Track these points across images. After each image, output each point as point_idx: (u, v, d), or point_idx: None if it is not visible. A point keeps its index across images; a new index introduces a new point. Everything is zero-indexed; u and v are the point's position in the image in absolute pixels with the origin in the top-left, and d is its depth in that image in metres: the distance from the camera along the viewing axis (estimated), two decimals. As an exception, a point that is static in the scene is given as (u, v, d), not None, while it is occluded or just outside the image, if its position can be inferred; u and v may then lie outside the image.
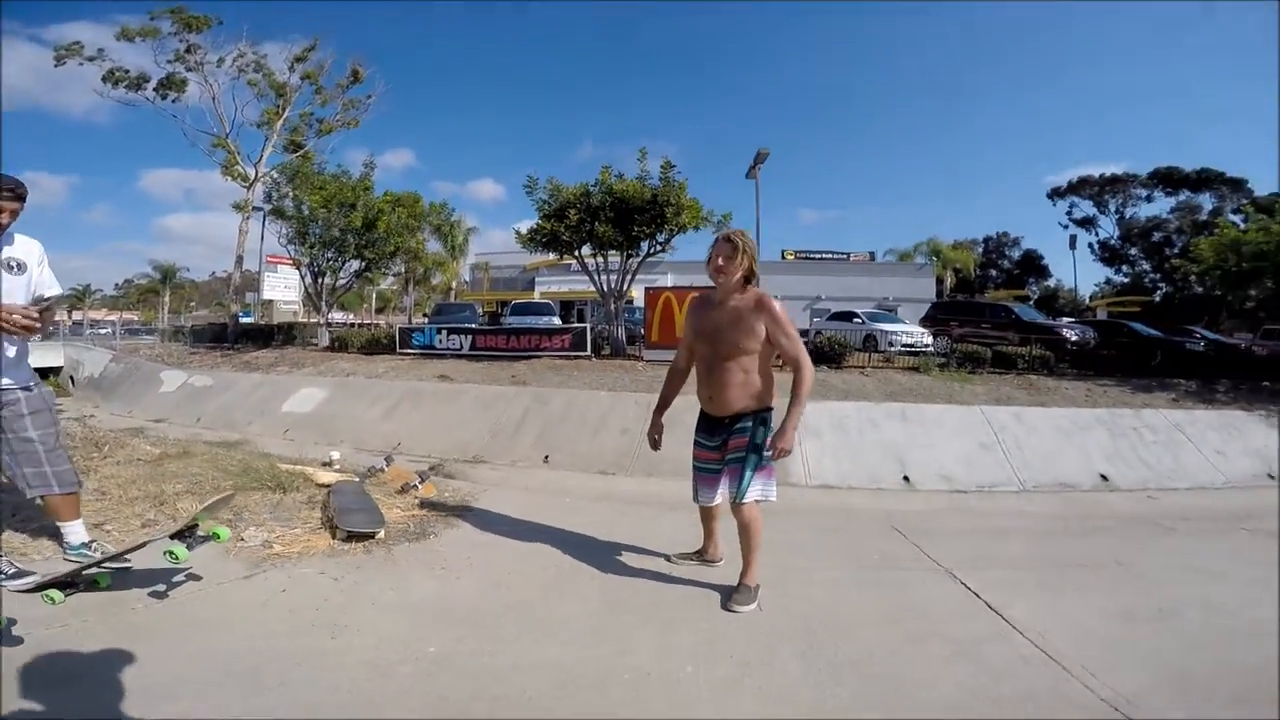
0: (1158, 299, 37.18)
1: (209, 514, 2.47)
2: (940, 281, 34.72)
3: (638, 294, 14.73)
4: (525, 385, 8.58)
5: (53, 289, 2.50)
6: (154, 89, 17.60)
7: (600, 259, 11.75)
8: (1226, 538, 4.16)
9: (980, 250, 46.98)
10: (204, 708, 1.79)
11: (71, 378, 13.66)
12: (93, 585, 2.41)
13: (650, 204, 10.67)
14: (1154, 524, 4.46)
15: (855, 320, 15.16)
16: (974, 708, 1.96)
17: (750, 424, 2.65)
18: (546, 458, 6.25)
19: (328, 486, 3.99)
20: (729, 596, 2.72)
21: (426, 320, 18.50)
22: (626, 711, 1.91)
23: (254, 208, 17.61)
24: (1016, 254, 49.87)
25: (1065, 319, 19.14)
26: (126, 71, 17.33)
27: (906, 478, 5.77)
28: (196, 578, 2.61)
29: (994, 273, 48.73)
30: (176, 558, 2.26)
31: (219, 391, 9.69)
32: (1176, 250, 34.85)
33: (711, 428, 2.78)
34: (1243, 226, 12.30)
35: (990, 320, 13.89)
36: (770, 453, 2.57)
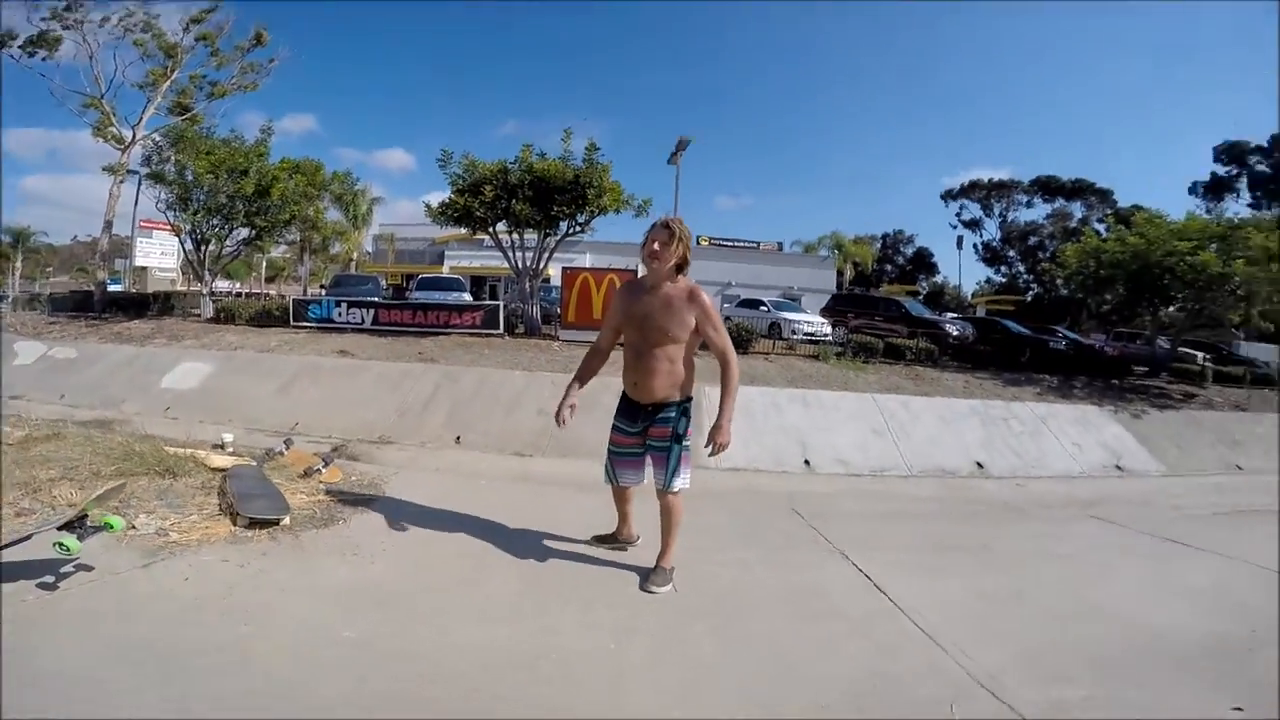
0: (1029, 299, 41.30)
1: (99, 503, 2.32)
2: (840, 274, 36.83)
3: (555, 273, 14.63)
4: (434, 363, 8.35)
5: None
6: (20, 46, 15.41)
7: (516, 236, 11.59)
8: (1079, 524, 4.68)
9: (879, 246, 50.13)
10: (114, 701, 1.72)
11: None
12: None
13: (572, 184, 10.65)
14: (1019, 510, 4.98)
15: (762, 308, 15.87)
16: (867, 681, 2.17)
17: (674, 414, 2.75)
18: (458, 438, 6.16)
19: (223, 471, 3.77)
20: (646, 578, 2.83)
21: (324, 291, 17.43)
22: (559, 686, 2.01)
23: (129, 171, 15.79)
24: (910, 250, 53.73)
25: (949, 315, 20.82)
26: None
27: (807, 461, 6.18)
28: (88, 568, 2.43)
29: (889, 268, 52.31)
30: (69, 549, 2.12)
31: (85, 365, 8.70)
32: (1048, 254, 38.56)
33: (634, 414, 2.84)
34: (1104, 235, 13.54)
35: (883, 313, 14.88)
36: (689, 441, 2.71)
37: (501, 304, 11.36)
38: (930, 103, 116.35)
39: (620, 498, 3.12)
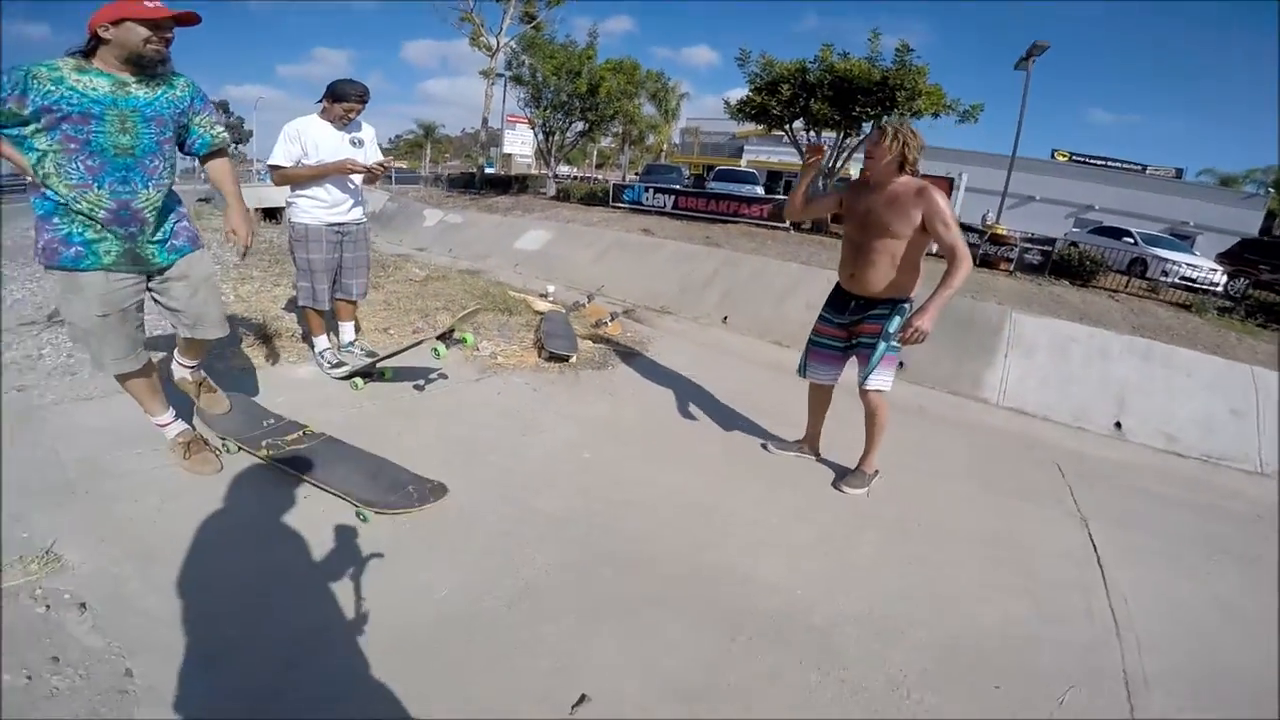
0: None
1: (462, 323, 3.26)
2: (1271, 217, 26.52)
3: (854, 172, 13.79)
4: (719, 247, 8.82)
5: (379, 156, 3.31)
6: None
7: (814, 135, 11.19)
8: None
9: None
10: (438, 469, 2.50)
11: (361, 210, 16.97)
12: (380, 377, 3.32)
13: (879, 86, 9.95)
14: None
15: (1126, 239, 12.71)
16: (996, 640, 2.02)
17: (887, 310, 2.64)
18: (726, 318, 6.55)
19: (541, 314, 4.81)
20: (842, 477, 2.88)
21: (638, 178, 19.26)
22: (712, 536, 2.35)
23: (497, 74, 19.13)
24: None
25: None
26: None
27: (1119, 424, 5.07)
28: (445, 377, 3.46)
29: None
30: (439, 354, 3.06)
31: (466, 228, 11.43)
32: None
33: (843, 306, 2.79)
34: None
35: (1320, 274, 10.63)
36: (900, 335, 2.50)
37: (791, 199, 11.29)
38: None
39: (815, 399, 3.07)
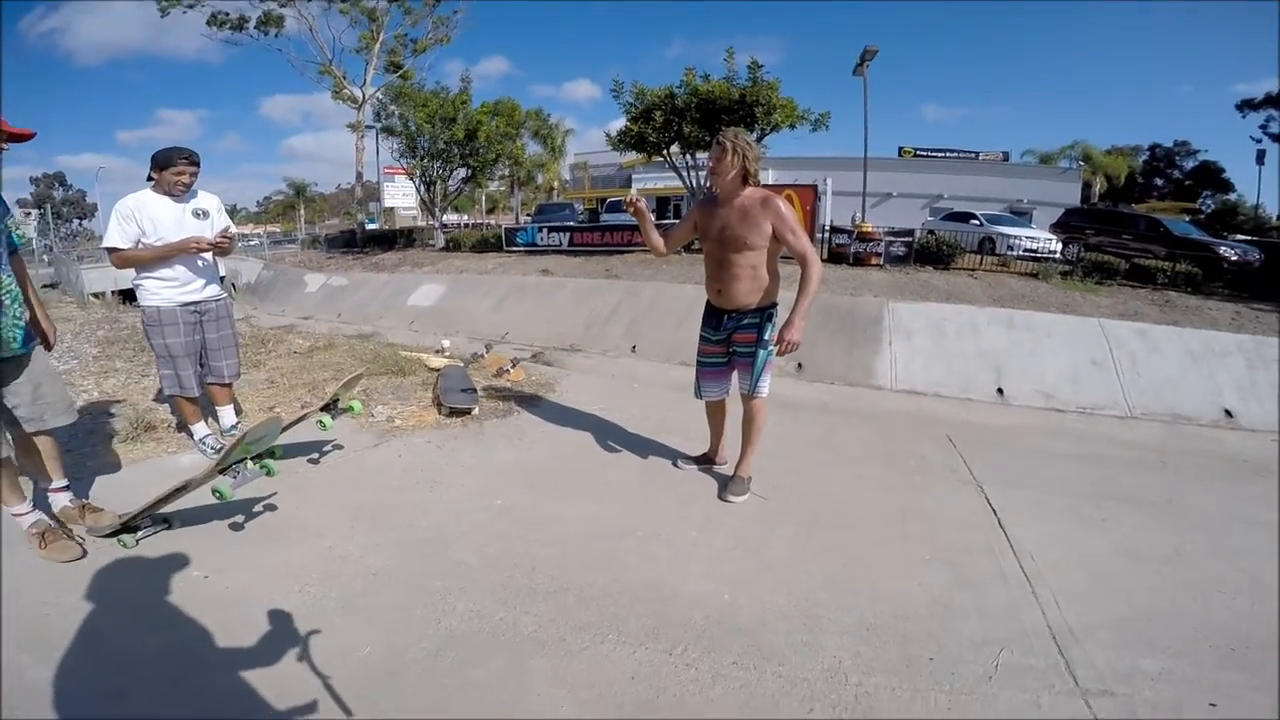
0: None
1: (345, 390, 3.06)
2: (1088, 188, 30.47)
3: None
4: (618, 279, 8.95)
5: (229, 225, 3.08)
6: (254, 27, 18.63)
7: (689, 157, 11.74)
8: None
9: (1144, 159, 40.09)
10: (346, 538, 2.43)
11: (234, 285, 15.74)
12: (270, 455, 3.08)
13: (738, 104, 10.59)
14: (1257, 469, 3.89)
15: (973, 222, 14.12)
16: (923, 608, 2.11)
17: (757, 319, 2.74)
18: (634, 347, 6.63)
19: (438, 370, 4.62)
20: (724, 486, 2.91)
21: (530, 220, 19.26)
22: (631, 559, 2.36)
23: (366, 126, 18.69)
24: (1189, 164, 42.17)
25: (1236, 236, 16.42)
26: (227, 14, 18.41)
27: (1000, 390, 5.54)
28: (340, 447, 3.26)
29: (1160, 182, 41.75)
30: (325, 426, 2.87)
31: (353, 290, 10.93)
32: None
33: (717, 322, 2.86)
34: None
35: (1132, 231, 12.24)
36: (775, 346, 2.61)
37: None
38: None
39: (713, 412, 3.14)
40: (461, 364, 4.98)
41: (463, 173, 15.86)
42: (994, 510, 2.90)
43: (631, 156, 17.09)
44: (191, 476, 2.33)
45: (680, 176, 12.04)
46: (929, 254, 9.52)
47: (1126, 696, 1.76)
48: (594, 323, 7.45)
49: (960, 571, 2.36)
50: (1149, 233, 11.91)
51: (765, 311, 2.76)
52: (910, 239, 9.92)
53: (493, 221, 41.38)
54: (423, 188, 16.12)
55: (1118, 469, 3.74)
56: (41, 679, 1.66)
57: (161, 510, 2.41)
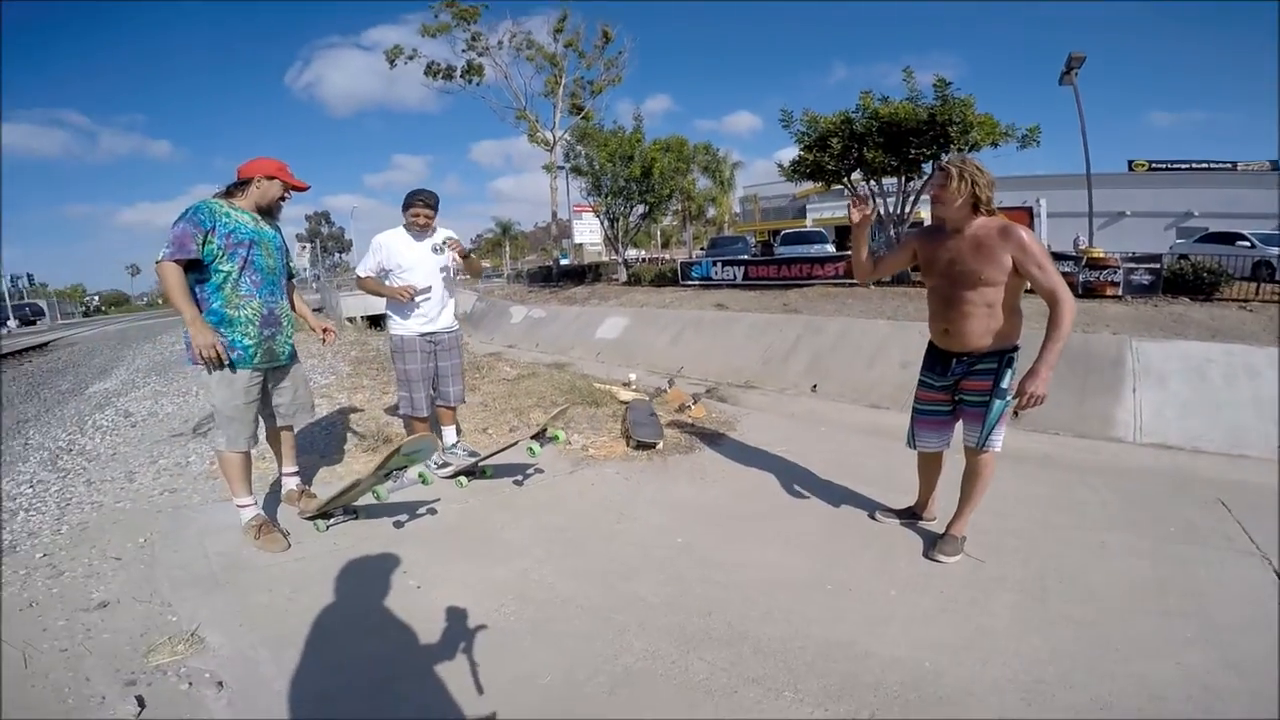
0: None
1: (553, 421, 3.38)
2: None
3: (927, 215, 13.44)
4: (797, 313, 8.75)
5: (452, 236, 3.46)
6: (460, 75, 21.26)
7: (874, 184, 11.11)
8: None
9: None
10: (542, 562, 2.61)
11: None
12: (482, 475, 3.46)
13: (928, 124, 9.84)
14: None
15: (1241, 244, 11.68)
16: (1174, 695, 1.78)
17: (995, 365, 2.43)
18: (815, 386, 6.39)
19: (626, 403, 4.88)
20: (933, 545, 2.63)
21: (703, 253, 19.69)
22: (816, 612, 2.20)
23: (557, 166, 20.55)
24: None
25: None
26: (439, 64, 21.18)
27: (1289, 445, 4.42)
28: (541, 471, 3.56)
29: None
30: (534, 452, 3.18)
31: (549, 322, 12.04)
32: None
33: (943, 366, 2.58)
34: None
35: None
36: (1015, 399, 2.31)
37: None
38: None
39: (925, 464, 2.84)
40: (647, 398, 5.21)
41: (641, 208, 16.85)
42: (1283, 585, 2.32)
43: (806, 186, 16.76)
44: (360, 477, 2.78)
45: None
46: (1183, 282, 7.99)
47: None
48: (771, 359, 7.33)
49: (1231, 652, 1.93)
50: None
51: (1005, 356, 2.45)
52: (1157, 265, 8.40)
53: (668, 256, 43.10)
54: (607, 224, 17.39)
55: None
56: (269, 675, 1.86)
57: (353, 503, 2.92)
